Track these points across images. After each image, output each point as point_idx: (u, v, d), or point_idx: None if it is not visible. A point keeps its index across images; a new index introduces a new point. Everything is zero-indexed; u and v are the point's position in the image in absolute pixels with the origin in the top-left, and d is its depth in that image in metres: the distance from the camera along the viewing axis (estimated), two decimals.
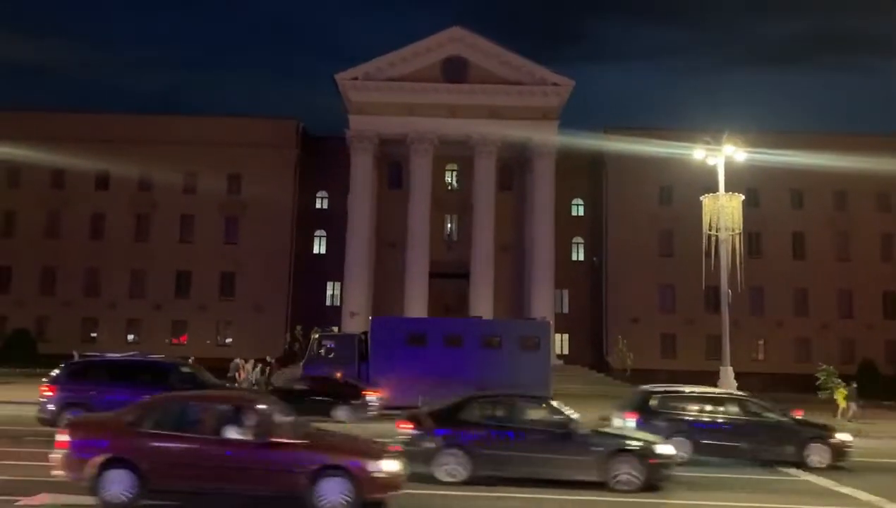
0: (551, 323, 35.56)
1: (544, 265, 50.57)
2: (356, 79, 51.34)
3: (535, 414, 14.91)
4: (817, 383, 34.47)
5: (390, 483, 11.27)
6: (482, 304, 48.60)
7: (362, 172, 51.22)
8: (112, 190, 54.66)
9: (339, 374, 27.56)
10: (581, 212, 57.29)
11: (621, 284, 53.90)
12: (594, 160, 55.37)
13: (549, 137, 50.93)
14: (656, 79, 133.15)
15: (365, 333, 30.16)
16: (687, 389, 19.54)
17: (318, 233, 57.18)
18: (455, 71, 51.81)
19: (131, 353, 22.00)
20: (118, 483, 10.88)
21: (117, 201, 54.47)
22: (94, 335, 52.60)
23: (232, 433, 11.21)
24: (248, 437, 11.13)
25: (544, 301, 49.56)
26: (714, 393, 19.75)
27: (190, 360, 39.29)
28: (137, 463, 10.92)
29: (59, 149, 51.44)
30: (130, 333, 53.36)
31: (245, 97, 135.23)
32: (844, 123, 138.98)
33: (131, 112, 59.72)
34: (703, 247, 29.01)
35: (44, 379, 19.36)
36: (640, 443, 14.47)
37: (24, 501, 11.39)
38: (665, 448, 14.55)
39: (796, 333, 53.46)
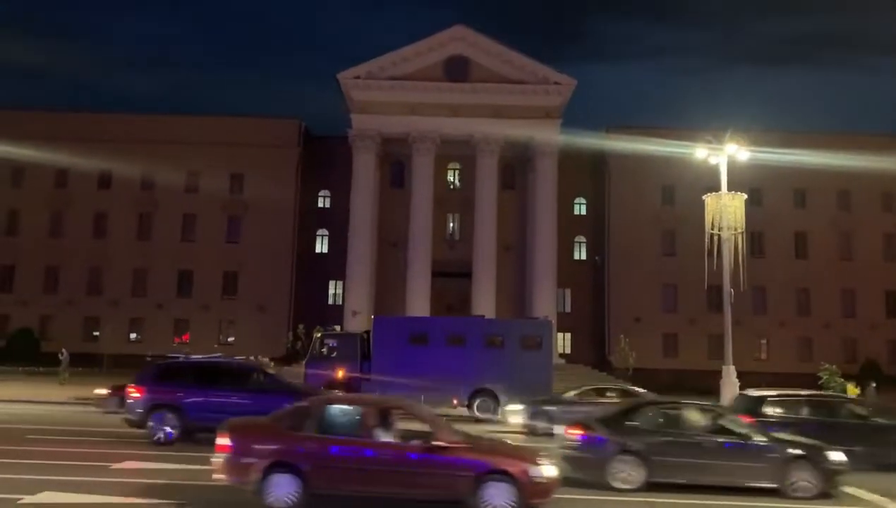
0: (553, 322, 35.51)
1: (546, 264, 50.56)
2: (358, 78, 51.35)
3: (707, 420, 14.80)
4: (820, 382, 34.47)
5: (549, 488, 11.28)
6: (484, 303, 48.60)
7: (364, 171, 51.23)
8: (114, 189, 54.76)
9: (341, 373, 27.55)
10: (583, 212, 57.26)
11: (623, 283, 53.90)
12: (596, 159, 55.36)
13: (551, 136, 50.92)
14: (658, 78, 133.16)
15: (367, 332, 30.17)
16: (800, 392, 19.37)
17: (320, 232, 57.23)
18: (457, 70, 51.81)
19: (216, 355, 22.00)
20: (283, 487, 10.87)
21: (120, 200, 54.56)
22: (96, 334, 52.64)
23: (393, 437, 11.25)
24: (411, 441, 11.19)
25: (546, 300, 49.56)
26: (824, 397, 19.46)
27: (181, 357, 39.57)
28: (301, 467, 10.90)
29: (61, 149, 51.58)
30: (133, 332, 53.46)
31: (246, 97, 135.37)
32: (848, 122, 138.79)
33: (133, 112, 59.79)
34: (706, 246, 28.97)
35: (131, 383, 19.07)
36: (813, 450, 14.36)
37: (26, 499, 11.39)
38: (837, 455, 14.39)
39: (799, 333, 53.42)
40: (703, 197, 29.52)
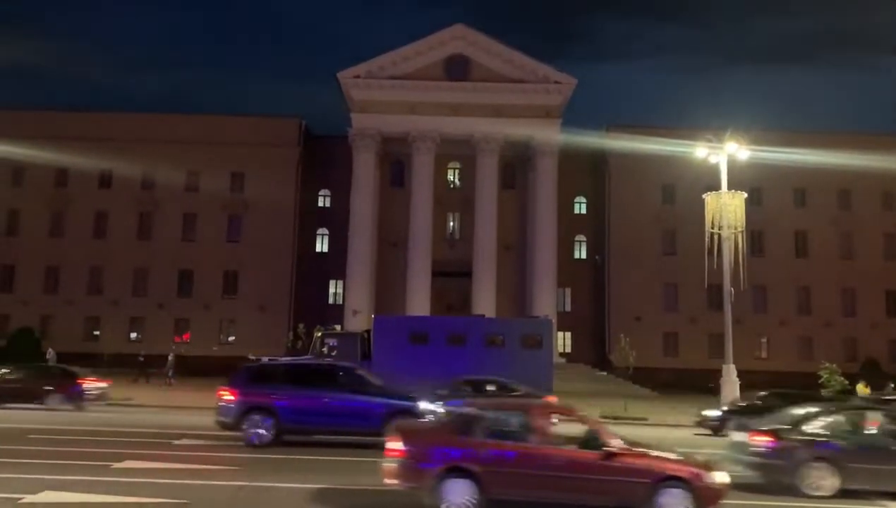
0: (553, 321, 35.57)
1: (546, 263, 50.59)
2: (358, 77, 51.38)
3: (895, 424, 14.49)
4: (820, 381, 34.51)
5: (721, 494, 11.13)
6: (484, 303, 48.63)
7: (364, 171, 51.26)
8: (115, 188, 54.77)
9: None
10: (583, 211, 57.27)
11: (624, 282, 53.90)
12: (597, 158, 55.35)
13: (551, 135, 50.95)
14: (658, 77, 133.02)
15: (368, 331, 30.23)
16: None
17: (320, 231, 57.25)
18: (457, 69, 51.85)
19: (306, 357, 21.76)
20: (459, 493, 10.76)
21: (120, 200, 54.56)
22: (97, 333, 52.69)
23: (561, 442, 11.20)
24: (580, 447, 11.13)
25: (546, 299, 49.60)
26: None
27: (170, 357, 39.88)
28: (477, 472, 10.79)
29: (62, 148, 51.61)
30: (133, 331, 53.47)
31: (247, 96, 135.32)
32: (848, 122, 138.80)
33: (133, 111, 59.81)
34: (706, 245, 29.01)
35: (224, 387, 18.77)
36: None
37: (27, 499, 11.39)
38: None
39: (799, 331, 53.43)
40: (704, 196, 29.55)
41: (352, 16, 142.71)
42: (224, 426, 18.16)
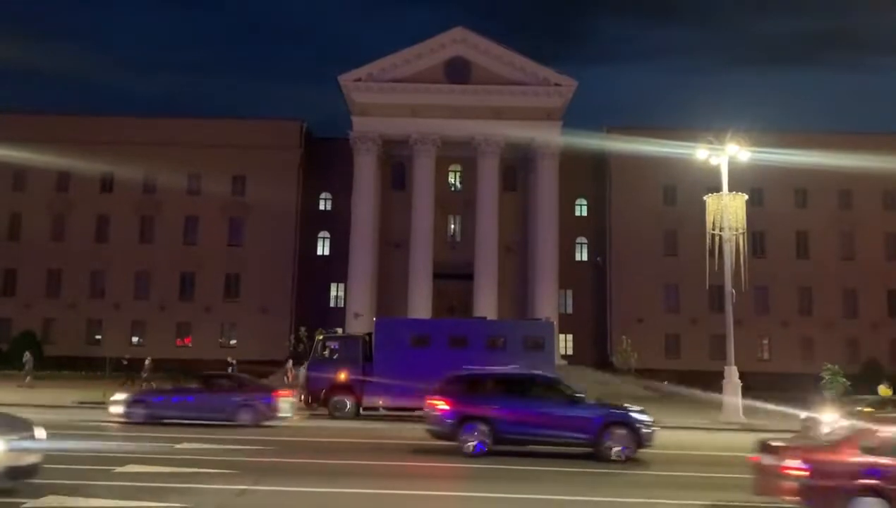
0: (555, 323, 35.51)
1: (548, 265, 50.60)
2: (359, 80, 51.44)
3: None
4: (822, 382, 34.46)
5: None
6: (486, 305, 48.61)
7: (366, 173, 51.29)
8: (116, 192, 54.83)
9: (343, 375, 27.49)
10: (584, 212, 57.26)
11: (625, 284, 53.90)
12: (597, 160, 55.37)
13: (552, 137, 50.98)
14: (659, 78, 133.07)
15: (369, 334, 30.18)
16: None
17: (321, 234, 57.28)
18: (458, 71, 51.89)
19: (512, 367, 21.87)
20: None
21: (121, 203, 54.62)
22: (98, 337, 52.73)
23: None
24: None
25: (548, 301, 49.59)
26: None
27: (147, 361, 39.80)
28: (891, 493, 10.53)
29: (63, 152, 51.63)
30: (135, 335, 53.48)
31: (248, 99, 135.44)
32: (849, 122, 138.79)
33: (135, 114, 59.89)
34: (707, 246, 29.04)
35: (435, 396, 18.42)
36: None
37: (29, 503, 11.39)
38: None
39: (801, 332, 53.38)
40: (705, 197, 29.58)
41: (353, 18, 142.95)
42: (438, 435, 18.07)
